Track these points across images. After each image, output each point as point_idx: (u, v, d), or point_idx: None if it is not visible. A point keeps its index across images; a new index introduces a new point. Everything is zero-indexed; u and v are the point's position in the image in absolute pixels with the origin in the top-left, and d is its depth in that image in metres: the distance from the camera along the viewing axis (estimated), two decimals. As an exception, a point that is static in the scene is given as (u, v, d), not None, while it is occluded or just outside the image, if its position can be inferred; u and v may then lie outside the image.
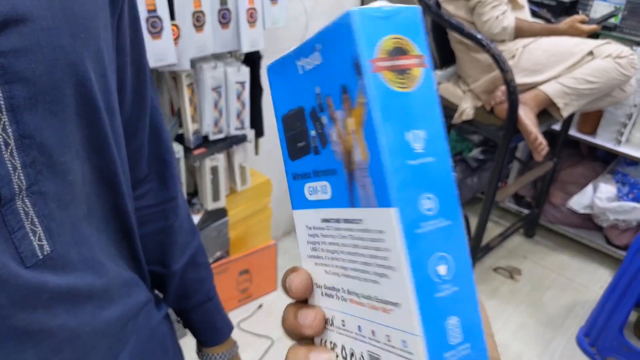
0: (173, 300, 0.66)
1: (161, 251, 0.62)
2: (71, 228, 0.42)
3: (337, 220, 0.27)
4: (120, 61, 0.47)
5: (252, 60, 1.44)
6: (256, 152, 1.63)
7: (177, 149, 1.37)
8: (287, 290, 0.30)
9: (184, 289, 0.66)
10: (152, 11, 1.14)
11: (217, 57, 1.37)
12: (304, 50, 0.26)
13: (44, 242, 0.39)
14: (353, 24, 0.23)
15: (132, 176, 0.53)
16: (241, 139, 1.50)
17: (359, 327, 0.26)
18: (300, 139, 0.28)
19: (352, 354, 0.27)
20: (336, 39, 0.24)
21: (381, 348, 0.25)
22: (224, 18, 1.28)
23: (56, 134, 0.39)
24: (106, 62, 0.43)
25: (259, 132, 1.57)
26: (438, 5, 1.69)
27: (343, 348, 0.28)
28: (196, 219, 1.48)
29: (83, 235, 0.44)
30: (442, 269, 0.23)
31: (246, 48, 1.34)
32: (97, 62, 0.41)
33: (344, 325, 0.28)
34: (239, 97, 1.42)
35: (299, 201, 0.30)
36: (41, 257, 0.39)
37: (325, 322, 0.29)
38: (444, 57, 1.79)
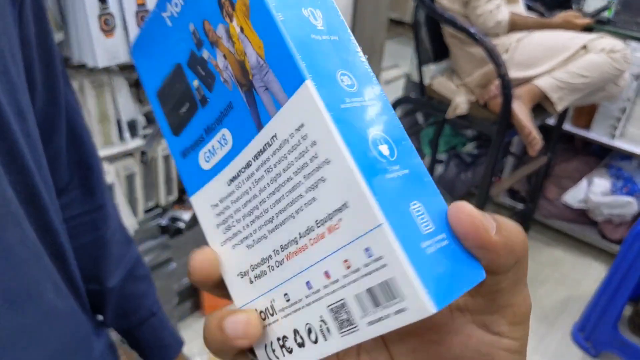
0: (113, 319, 0.59)
1: (94, 266, 0.55)
2: (6, 253, 0.37)
3: (248, 165, 0.22)
4: (27, 55, 0.42)
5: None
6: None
7: (168, 144, 1.35)
8: (191, 276, 0.24)
9: (124, 306, 0.60)
10: (141, 5, 1.12)
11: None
12: None
13: None
14: None
15: (53, 182, 0.48)
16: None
17: (308, 283, 0.22)
18: (183, 102, 0.24)
19: (309, 330, 0.22)
20: None
21: (342, 287, 0.20)
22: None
23: None
24: (8, 59, 0.38)
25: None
26: (431, -1, 1.68)
27: (296, 332, 0.23)
28: (188, 215, 1.47)
29: (18, 261, 0.39)
30: (383, 149, 0.19)
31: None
32: None
33: (288, 300, 0.23)
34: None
35: (195, 181, 0.25)
36: None
37: (265, 318, 0.24)
38: (438, 51, 1.77)
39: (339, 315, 0.21)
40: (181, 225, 1.46)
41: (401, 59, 2.33)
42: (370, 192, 0.18)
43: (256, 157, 0.22)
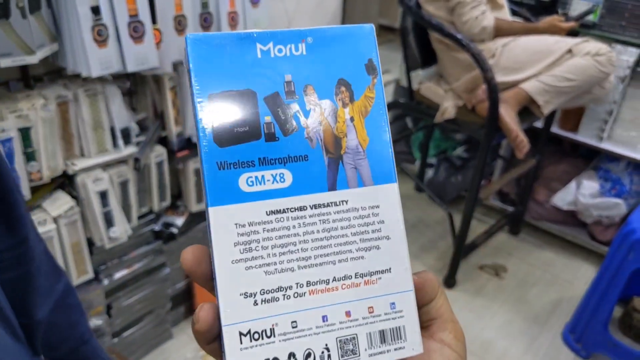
0: (44, 350, 0.59)
1: (21, 300, 0.54)
2: None
3: (301, 208, 0.26)
4: None
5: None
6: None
7: (161, 151, 1.37)
8: (183, 264, 0.26)
9: (54, 336, 0.59)
10: (133, 16, 1.15)
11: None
12: (279, 38, 0.27)
13: None
14: (372, 34, 0.29)
15: None
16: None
17: (325, 317, 0.26)
18: (242, 124, 0.26)
19: (308, 354, 0.26)
20: (345, 40, 0.28)
21: (359, 325, 0.26)
22: (206, 22, 1.29)
23: None
24: None
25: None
26: (418, 6, 1.71)
27: (291, 355, 0.25)
28: (180, 221, 1.49)
29: None
30: None
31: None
32: None
33: (294, 327, 0.26)
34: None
35: (225, 195, 0.26)
36: None
37: (257, 339, 0.25)
38: (426, 56, 1.80)
39: (346, 346, 0.26)
40: (174, 230, 1.48)
41: (391, 64, 2.36)
42: (410, 267, 0.27)
43: (316, 206, 0.27)
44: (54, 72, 1.20)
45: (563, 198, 2.00)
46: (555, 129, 1.97)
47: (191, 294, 1.63)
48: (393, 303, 0.27)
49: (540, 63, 1.61)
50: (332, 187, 0.27)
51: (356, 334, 0.26)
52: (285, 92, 0.27)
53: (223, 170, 0.26)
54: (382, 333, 0.27)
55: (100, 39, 1.13)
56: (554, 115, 1.90)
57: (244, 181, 0.26)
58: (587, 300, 1.64)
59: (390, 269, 0.27)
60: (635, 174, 1.94)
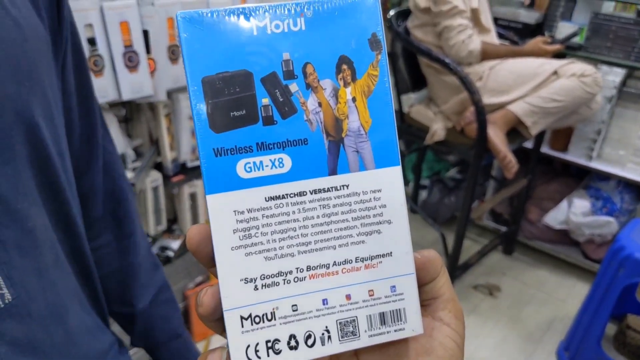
0: (140, 338, 0.64)
1: (124, 290, 0.61)
2: (36, 275, 0.41)
3: (301, 194, 0.26)
4: (67, 103, 0.47)
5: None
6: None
7: (156, 176, 1.40)
8: (188, 244, 0.27)
9: (151, 326, 0.64)
10: (128, 46, 1.19)
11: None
12: (276, 12, 0.26)
13: (4, 291, 0.38)
14: (376, 6, 0.27)
15: (85, 216, 0.53)
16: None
17: (325, 300, 0.26)
18: (238, 107, 0.25)
19: (308, 336, 0.26)
20: (347, 13, 0.26)
21: (358, 308, 0.27)
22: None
23: (10, 182, 0.38)
24: (53, 107, 0.43)
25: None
26: (407, 32, 1.76)
27: (292, 337, 0.26)
28: (176, 244, 1.51)
29: (50, 281, 0.43)
30: None
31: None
32: (45, 107, 0.41)
33: (295, 310, 0.26)
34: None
35: (222, 182, 0.25)
36: (2, 305, 0.38)
37: (258, 322, 0.26)
38: (416, 80, 1.85)
39: (346, 328, 0.27)
40: (170, 254, 1.50)
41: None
42: (412, 250, 0.27)
43: (316, 191, 0.26)
44: (51, 101, 1.24)
45: (555, 217, 2.03)
46: (545, 149, 2.01)
47: (188, 316, 1.64)
48: (394, 286, 0.27)
49: (526, 85, 1.65)
50: (333, 172, 0.26)
51: (356, 317, 0.27)
52: (284, 71, 0.26)
53: (220, 157, 0.25)
54: (382, 315, 0.27)
55: (97, 69, 1.17)
56: (544, 136, 1.93)
57: (242, 167, 0.26)
58: (580, 317, 1.65)
59: (391, 252, 0.27)
60: (626, 192, 1.97)
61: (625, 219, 1.94)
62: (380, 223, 0.27)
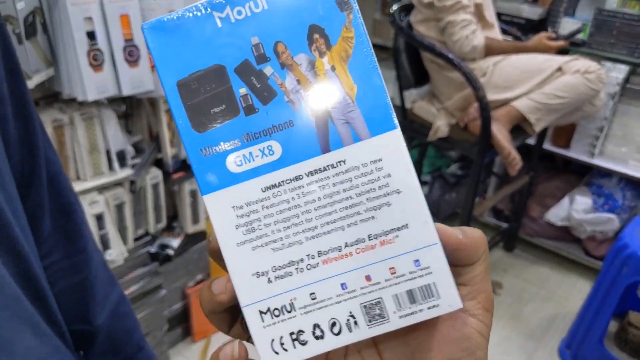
0: (101, 357, 0.60)
1: (80, 307, 0.57)
2: None
3: (297, 178, 0.25)
4: (0, 112, 0.44)
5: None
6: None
7: (156, 173, 1.38)
8: (210, 300, 0.26)
9: (112, 343, 0.60)
10: (128, 40, 1.17)
11: (194, 82, 1.39)
12: None
13: None
14: None
15: (34, 234, 0.50)
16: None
17: (343, 284, 0.25)
18: (217, 103, 0.25)
19: (333, 324, 0.25)
20: None
21: (382, 288, 0.25)
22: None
23: None
24: None
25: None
26: (410, 26, 1.74)
27: (316, 326, 0.25)
28: (176, 242, 1.49)
29: None
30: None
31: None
32: None
33: (314, 299, 0.25)
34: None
35: (215, 181, 0.25)
36: None
37: (277, 315, 0.25)
38: (418, 76, 1.83)
39: (372, 311, 0.25)
40: (170, 252, 1.48)
41: (386, 81, 2.39)
42: (431, 220, 0.25)
43: (312, 173, 0.25)
44: (49, 96, 1.21)
45: (557, 214, 2.02)
46: (547, 146, 2.00)
47: (188, 315, 1.63)
48: (417, 260, 0.25)
49: (531, 81, 1.64)
50: (326, 149, 0.25)
51: (381, 298, 0.25)
52: (255, 57, 0.25)
53: (208, 156, 0.25)
54: (410, 293, 0.25)
55: (96, 63, 1.14)
56: (546, 132, 1.92)
57: (232, 162, 0.25)
58: (583, 315, 1.65)
59: (407, 224, 0.25)
60: (628, 189, 1.96)
61: (627, 216, 1.93)
62: (388, 194, 0.25)
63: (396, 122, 0.25)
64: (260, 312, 0.25)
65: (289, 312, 0.25)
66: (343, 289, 0.25)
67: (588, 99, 1.65)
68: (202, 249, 1.58)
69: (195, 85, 0.25)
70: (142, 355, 0.63)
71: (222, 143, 0.25)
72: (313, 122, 0.25)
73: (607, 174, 1.98)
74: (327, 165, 0.25)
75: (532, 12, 1.97)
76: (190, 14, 0.25)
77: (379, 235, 0.25)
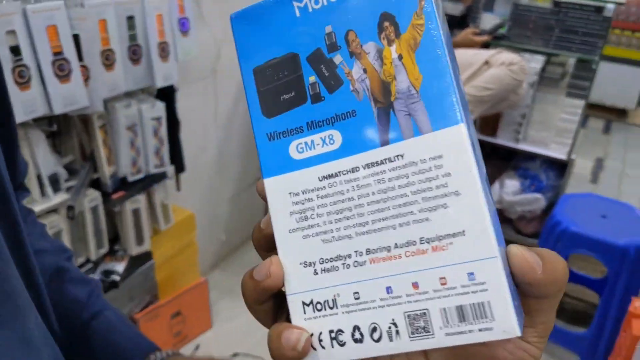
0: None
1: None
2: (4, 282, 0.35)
3: (353, 170, 0.24)
4: None
5: (166, 94, 1.38)
6: (178, 188, 1.56)
7: (94, 195, 1.28)
8: (257, 284, 0.25)
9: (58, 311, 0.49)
10: (58, 53, 1.06)
11: (128, 95, 1.30)
12: None
13: None
14: None
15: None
16: (161, 177, 1.44)
17: (389, 288, 0.23)
18: (287, 90, 0.25)
19: (374, 329, 0.23)
20: None
21: (429, 299, 0.22)
22: (135, 54, 1.22)
23: None
24: None
25: (180, 167, 1.51)
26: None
27: (356, 328, 0.24)
28: (121, 266, 1.39)
29: (16, 290, 0.36)
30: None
31: (160, 83, 1.29)
32: None
33: (357, 299, 0.24)
34: (156, 133, 1.35)
35: (277, 165, 0.25)
36: None
37: (320, 309, 0.24)
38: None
39: (416, 322, 0.23)
40: (116, 277, 1.37)
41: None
42: (492, 228, 0.22)
43: (368, 166, 0.24)
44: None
45: (489, 199, 2.11)
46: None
47: (137, 342, 1.52)
48: (471, 273, 0.22)
49: (462, 74, 1.70)
50: (385, 142, 0.23)
51: (427, 309, 0.22)
52: (327, 45, 0.25)
53: (273, 141, 0.26)
54: (460, 309, 0.22)
55: (22, 80, 1.03)
56: (475, 122, 2.00)
57: (294, 148, 0.25)
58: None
59: (463, 231, 0.22)
60: (550, 170, 2.10)
61: (551, 194, 2.06)
62: (446, 195, 0.22)
63: (461, 116, 0.22)
64: (304, 304, 0.25)
65: (331, 308, 0.24)
66: (388, 292, 0.23)
67: (513, 89, 1.74)
68: (148, 270, 1.49)
69: (269, 72, 0.26)
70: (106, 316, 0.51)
71: (287, 129, 0.25)
72: (375, 112, 0.24)
73: (531, 157, 2.10)
74: (385, 159, 0.23)
75: (454, 9, 2.04)
76: (272, 4, 0.26)
77: (431, 240, 0.22)
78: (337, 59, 0.24)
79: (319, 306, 0.24)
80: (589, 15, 1.83)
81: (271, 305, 0.26)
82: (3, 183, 0.38)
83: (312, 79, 0.25)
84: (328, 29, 0.24)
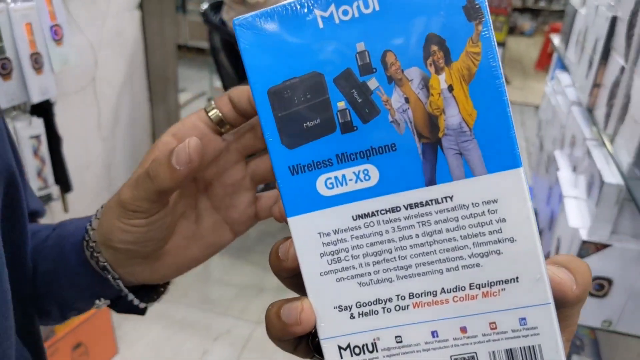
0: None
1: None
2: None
3: (394, 210, 0.22)
4: None
5: (43, 109, 1.26)
6: (65, 210, 1.43)
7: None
8: (280, 261, 0.24)
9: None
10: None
11: (-1, 112, 1.17)
12: None
13: None
14: None
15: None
16: (47, 200, 1.31)
17: (434, 332, 0.23)
18: (311, 116, 0.22)
19: None
20: None
21: (478, 342, 0.22)
22: (4, 68, 1.10)
23: None
24: None
25: (66, 187, 1.39)
26: (224, 24, 1.71)
27: None
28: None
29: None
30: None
31: (37, 98, 1.17)
32: None
33: (399, 342, 0.23)
34: (36, 152, 1.23)
35: (303, 203, 0.23)
36: None
37: (358, 353, 0.23)
38: (241, 72, 1.81)
39: None
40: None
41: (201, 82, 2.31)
42: (546, 275, 0.22)
43: (411, 206, 0.22)
44: None
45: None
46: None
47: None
48: (523, 318, 0.22)
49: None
50: (431, 181, 0.22)
51: (475, 353, 0.22)
52: (359, 66, 0.22)
53: (297, 175, 0.23)
54: (509, 352, 0.22)
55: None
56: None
57: (323, 183, 0.23)
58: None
59: (517, 278, 0.22)
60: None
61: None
62: (500, 242, 0.22)
63: (519, 159, 0.21)
64: (340, 348, 0.23)
65: (371, 352, 0.23)
66: (433, 337, 0.23)
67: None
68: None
69: (288, 94, 0.22)
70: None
71: (313, 162, 0.23)
72: (419, 148, 0.22)
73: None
74: (431, 200, 0.22)
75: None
76: (290, 11, 0.22)
77: (482, 286, 0.22)
78: (373, 83, 0.22)
79: (357, 350, 0.23)
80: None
81: (295, 339, 0.25)
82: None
83: (342, 104, 0.22)
84: (360, 46, 0.22)
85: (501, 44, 3.75)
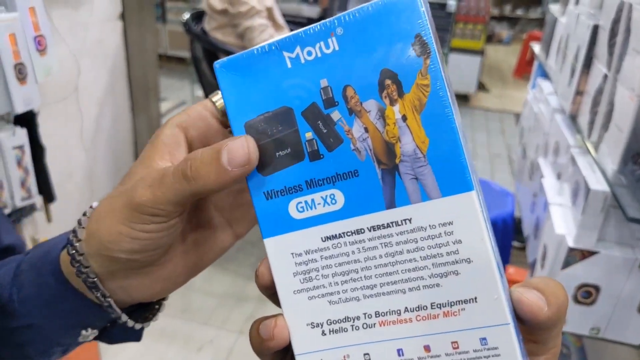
0: None
1: None
2: None
3: (358, 232, 0.24)
4: None
5: (26, 119, 1.24)
6: (48, 220, 1.41)
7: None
8: (262, 342, 0.25)
9: None
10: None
11: (-19, 123, 1.15)
12: (305, 38, 0.24)
13: None
14: (415, 3, 0.22)
15: None
16: (30, 210, 1.29)
17: (400, 350, 0.24)
18: (282, 146, 0.25)
19: None
20: (382, 19, 0.23)
21: None
22: (-13, 78, 1.08)
23: None
24: None
25: (49, 197, 1.37)
26: (205, 33, 1.70)
27: None
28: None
29: None
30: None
31: (20, 108, 1.15)
32: None
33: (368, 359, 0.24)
34: (19, 163, 1.21)
35: (277, 225, 0.25)
36: None
37: None
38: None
39: None
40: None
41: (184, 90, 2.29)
42: (504, 296, 0.22)
43: (374, 228, 0.23)
44: None
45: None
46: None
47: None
48: (484, 338, 0.22)
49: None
50: (391, 204, 0.23)
51: None
52: (323, 100, 0.24)
53: (271, 200, 0.25)
54: None
55: None
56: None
57: (294, 207, 0.25)
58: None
59: (475, 298, 0.22)
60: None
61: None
62: (457, 262, 0.22)
63: (473, 182, 0.22)
64: None
65: None
66: (399, 355, 0.24)
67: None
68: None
69: (262, 126, 0.25)
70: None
71: (285, 187, 0.25)
72: (379, 174, 0.23)
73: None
74: (391, 222, 0.23)
75: (311, 11, 2.11)
76: (262, 53, 0.24)
77: (443, 305, 0.23)
78: (335, 115, 0.24)
79: None
80: (434, 12, 2.01)
81: (278, 355, 0.26)
82: None
83: (309, 135, 0.24)
84: (323, 82, 0.24)
85: (480, 52, 3.82)
